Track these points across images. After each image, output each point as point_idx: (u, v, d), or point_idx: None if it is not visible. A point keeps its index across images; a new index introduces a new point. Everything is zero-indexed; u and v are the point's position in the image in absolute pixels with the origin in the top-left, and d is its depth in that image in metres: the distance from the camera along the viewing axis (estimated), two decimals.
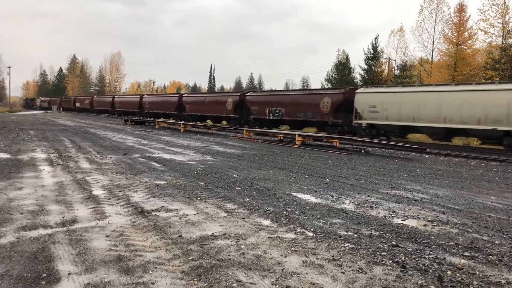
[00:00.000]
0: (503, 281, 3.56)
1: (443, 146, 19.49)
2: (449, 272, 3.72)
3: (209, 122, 35.34)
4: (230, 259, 3.87)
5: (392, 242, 4.55)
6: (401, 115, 20.36)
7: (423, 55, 41.07)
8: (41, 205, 5.74)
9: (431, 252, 4.28)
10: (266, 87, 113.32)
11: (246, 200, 6.48)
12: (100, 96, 69.80)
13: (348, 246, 4.38)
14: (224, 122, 34.14)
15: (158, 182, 7.76)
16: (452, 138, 20.42)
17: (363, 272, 3.66)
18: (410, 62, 43.27)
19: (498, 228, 5.35)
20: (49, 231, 4.57)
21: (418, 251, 4.31)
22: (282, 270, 3.66)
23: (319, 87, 56.12)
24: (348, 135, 21.64)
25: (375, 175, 9.97)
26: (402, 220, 5.63)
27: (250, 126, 29.51)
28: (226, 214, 5.57)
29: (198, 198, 6.48)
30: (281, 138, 20.34)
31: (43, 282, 3.26)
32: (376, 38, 43.42)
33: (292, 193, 7.21)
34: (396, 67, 43.61)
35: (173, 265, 3.68)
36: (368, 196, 7.24)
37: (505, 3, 29.96)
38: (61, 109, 71.53)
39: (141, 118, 40.15)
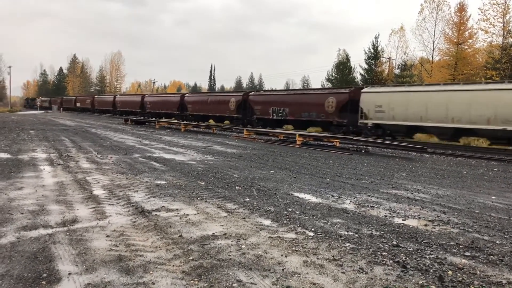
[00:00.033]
0: (504, 281, 3.55)
1: (444, 146, 19.45)
2: (450, 272, 3.72)
3: (211, 122, 34.84)
4: (230, 259, 3.87)
5: (393, 242, 4.55)
6: (408, 115, 20.00)
7: (424, 55, 41.12)
8: (41, 205, 5.75)
9: (431, 252, 4.27)
10: (267, 86, 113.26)
11: (246, 200, 6.48)
12: (101, 96, 69.63)
13: (348, 246, 4.37)
14: (227, 122, 33.66)
15: (159, 182, 7.76)
16: (460, 138, 20.09)
17: (364, 272, 3.66)
18: (410, 62, 43.22)
19: (498, 228, 5.34)
20: (50, 231, 4.57)
21: (419, 251, 4.30)
22: (283, 270, 3.65)
23: (320, 86, 56.16)
24: (350, 135, 21.54)
25: (375, 174, 9.97)
26: (402, 220, 5.62)
27: (253, 126, 29.25)
28: (226, 214, 5.57)
29: (199, 198, 6.48)
30: (282, 137, 20.34)
31: (44, 282, 3.26)
32: (376, 38, 43.36)
33: (292, 192, 7.21)
34: (396, 67, 43.58)
35: (173, 265, 3.67)
36: (369, 195, 7.24)
37: (505, 2, 29.95)
38: (61, 109, 71.60)
39: (143, 118, 39.95)
